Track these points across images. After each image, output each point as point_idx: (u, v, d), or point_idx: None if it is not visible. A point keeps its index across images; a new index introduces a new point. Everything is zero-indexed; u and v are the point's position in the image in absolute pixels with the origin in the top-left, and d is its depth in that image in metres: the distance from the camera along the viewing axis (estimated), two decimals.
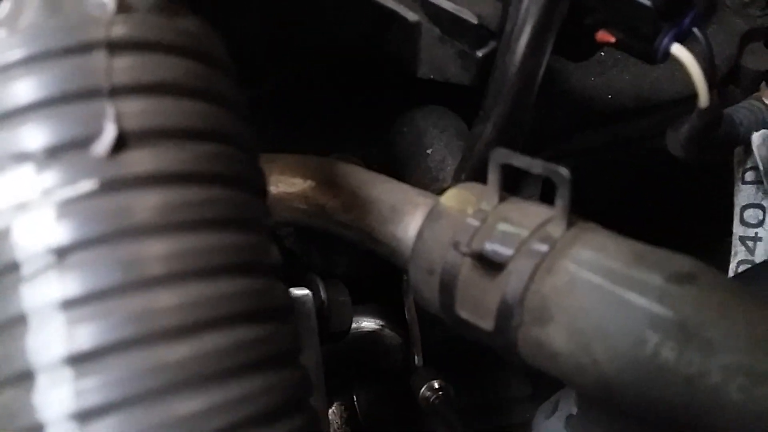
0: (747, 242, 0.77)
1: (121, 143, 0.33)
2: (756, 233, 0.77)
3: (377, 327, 0.80)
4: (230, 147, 0.37)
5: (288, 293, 0.40)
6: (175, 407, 0.32)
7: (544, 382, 0.81)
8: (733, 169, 0.77)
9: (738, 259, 0.78)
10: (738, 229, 0.78)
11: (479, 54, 0.61)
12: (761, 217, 0.76)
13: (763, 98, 0.72)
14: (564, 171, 0.42)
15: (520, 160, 0.44)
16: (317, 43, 0.69)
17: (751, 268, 0.73)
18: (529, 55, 0.54)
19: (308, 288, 0.64)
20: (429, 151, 0.71)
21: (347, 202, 0.54)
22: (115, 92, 0.33)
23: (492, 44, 0.61)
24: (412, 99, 0.74)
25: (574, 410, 0.61)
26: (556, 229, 0.44)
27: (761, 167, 0.71)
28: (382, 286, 0.77)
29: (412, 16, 0.62)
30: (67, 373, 0.31)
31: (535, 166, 0.43)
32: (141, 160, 0.33)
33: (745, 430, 0.36)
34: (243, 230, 0.37)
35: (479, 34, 0.60)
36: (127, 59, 0.34)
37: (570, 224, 0.44)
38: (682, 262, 0.41)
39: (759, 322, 0.37)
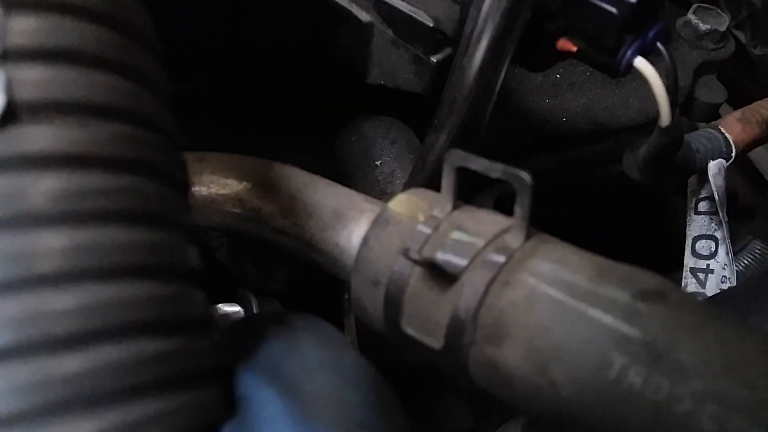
0: (698, 274, 0.75)
1: (11, 115, 0.28)
2: (707, 265, 0.74)
3: None
4: (144, 130, 0.33)
5: (207, 304, 0.35)
6: (62, 431, 0.27)
7: (487, 414, 0.77)
8: (687, 199, 0.75)
9: (688, 291, 0.75)
10: (689, 261, 0.75)
11: (434, 60, 0.57)
12: (713, 249, 0.74)
13: (721, 127, 0.70)
14: (525, 175, 0.38)
15: (478, 163, 0.40)
16: (260, 40, 0.64)
17: (721, 292, 0.70)
18: (489, 60, 0.50)
19: (239, 304, 0.60)
20: (378, 163, 0.67)
21: (285, 206, 0.49)
22: (9, 56, 0.29)
23: (447, 50, 0.58)
24: (362, 108, 0.70)
25: None
26: (514, 240, 0.40)
27: (716, 197, 0.70)
28: (320, 304, 0.73)
29: (364, 16, 0.59)
30: None
31: (493, 169, 0.40)
32: (36, 136, 0.29)
33: None
34: (154, 226, 0.32)
35: (435, 38, 0.56)
36: (28, 19, 0.29)
37: (529, 235, 0.40)
38: (649, 279, 0.37)
39: (733, 345, 0.34)
